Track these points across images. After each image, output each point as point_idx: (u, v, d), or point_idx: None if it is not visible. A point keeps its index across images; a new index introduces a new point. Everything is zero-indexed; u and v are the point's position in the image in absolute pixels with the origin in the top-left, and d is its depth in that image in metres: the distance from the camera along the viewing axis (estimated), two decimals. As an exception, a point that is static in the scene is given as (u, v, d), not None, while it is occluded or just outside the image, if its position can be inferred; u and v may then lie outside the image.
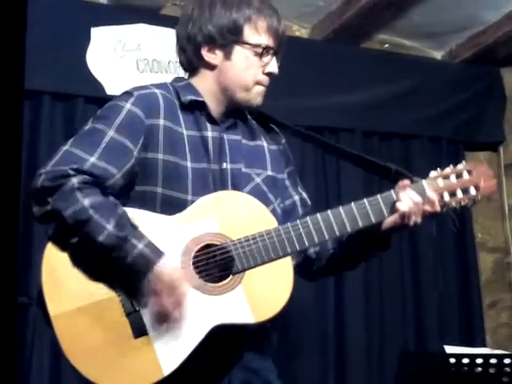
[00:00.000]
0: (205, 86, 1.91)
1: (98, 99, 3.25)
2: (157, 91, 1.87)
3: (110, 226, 1.64)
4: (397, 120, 4.03)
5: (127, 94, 1.85)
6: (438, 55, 4.38)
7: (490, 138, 4.33)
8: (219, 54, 1.89)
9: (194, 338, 1.69)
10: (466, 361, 2.81)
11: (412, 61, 4.19)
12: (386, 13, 3.73)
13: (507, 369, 2.81)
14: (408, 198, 1.80)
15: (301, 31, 4.02)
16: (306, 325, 3.55)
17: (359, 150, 3.86)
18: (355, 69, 3.94)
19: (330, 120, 3.85)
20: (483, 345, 3.83)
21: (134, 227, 1.69)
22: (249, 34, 1.87)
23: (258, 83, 1.89)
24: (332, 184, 3.81)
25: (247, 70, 1.88)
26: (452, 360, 2.85)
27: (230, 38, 1.87)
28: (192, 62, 1.93)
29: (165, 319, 1.68)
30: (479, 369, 2.82)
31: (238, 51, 1.88)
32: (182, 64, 1.98)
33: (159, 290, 1.66)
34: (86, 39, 3.30)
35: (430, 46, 4.33)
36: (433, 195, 1.82)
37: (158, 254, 1.67)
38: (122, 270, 1.66)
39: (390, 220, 1.83)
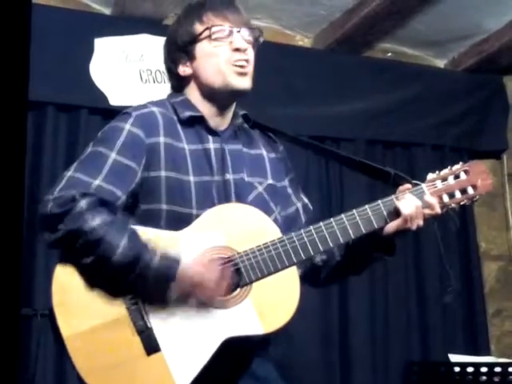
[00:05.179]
0: (195, 98, 1.93)
1: (101, 110, 3.27)
2: (155, 109, 1.88)
3: (122, 244, 1.65)
4: (400, 129, 4.03)
5: (126, 115, 1.86)
6: (440, 64, 4.39)
7: (493, 146, 4.33)
8: (187, 62, 1.91)
9: (207, 351, 1.69)
10: (470, 369, 2.81)
11: (414, 69, 4.20)
12: (388, 22, 3.74)
13: (512, 377, 2.81)
14: (409, 203, 1.83)
15: (303, 41, 4.04)
16: (310, 334, 3.55)
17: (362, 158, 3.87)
18: (358, 78, 3.95)
19: (332, 129, 3.86)
20: (488, 353, 3.81)
21: (144, 242, 1.69)
22: (199, 28, 1.88)
23: (230, 63, 1.87)
24: (335, 193, 3.82)
25: (211, 57, 1.87)
26: (457, 369, 2.84)
27: (186, 43, 1.90)
28: (179, 84, 1.97)
29: (208, 300, 1.69)
30: (484, 377, 2.81)
31: (197, 48, 1.89)
32: (173, 88, 2.00)
33: (190, 287, 1.67)
34: (90, 50, 3.32)
35: (433, 55, 4.34)
36: (432, 199, 1.85)
37: (176, 261, 1.68)
38: (142, 283, 1.66)
39: (393, 224, 1.84)
